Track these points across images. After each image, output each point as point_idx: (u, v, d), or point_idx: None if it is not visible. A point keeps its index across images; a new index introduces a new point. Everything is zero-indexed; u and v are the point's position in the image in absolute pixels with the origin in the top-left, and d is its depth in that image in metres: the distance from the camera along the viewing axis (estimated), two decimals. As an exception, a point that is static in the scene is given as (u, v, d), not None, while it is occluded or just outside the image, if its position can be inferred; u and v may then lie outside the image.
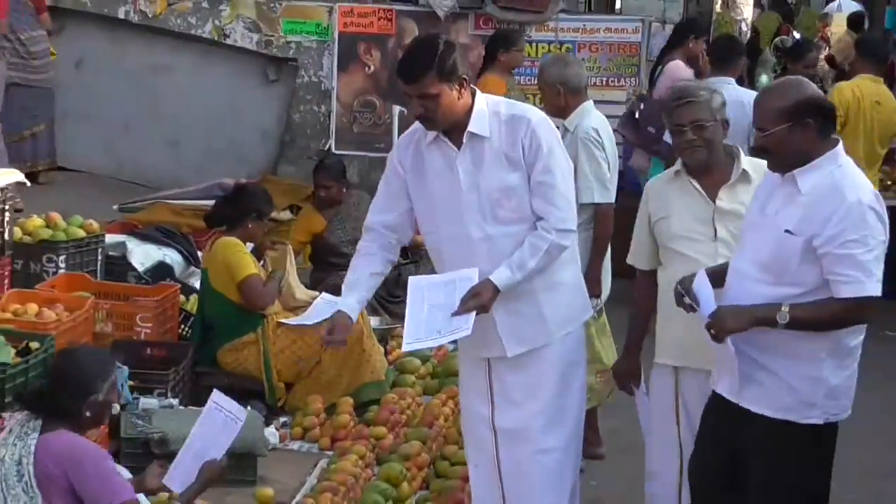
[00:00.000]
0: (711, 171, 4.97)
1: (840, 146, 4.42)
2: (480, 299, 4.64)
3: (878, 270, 4.31)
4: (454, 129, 4.79)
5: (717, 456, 4.65)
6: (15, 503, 4.24)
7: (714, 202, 4.92)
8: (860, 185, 4.36)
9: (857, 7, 19.27)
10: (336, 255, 8.42)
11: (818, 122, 4.34)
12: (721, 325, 4.33)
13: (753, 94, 8.78)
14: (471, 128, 4.76)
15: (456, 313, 4.64)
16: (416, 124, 4.94)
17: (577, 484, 5.17)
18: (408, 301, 4.78)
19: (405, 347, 4.84)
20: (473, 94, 4.81)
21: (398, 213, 5.01)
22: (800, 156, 4.35)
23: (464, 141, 4.78)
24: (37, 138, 11.36)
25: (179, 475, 4.69)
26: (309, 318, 6.98)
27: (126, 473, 4.86)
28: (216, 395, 4.94)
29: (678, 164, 5.06)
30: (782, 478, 4.46)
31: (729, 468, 4.61)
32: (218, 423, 4.81)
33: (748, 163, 4.95)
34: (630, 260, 5.25)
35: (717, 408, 4.61)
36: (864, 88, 8.41)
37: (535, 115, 4.89)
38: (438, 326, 4.68)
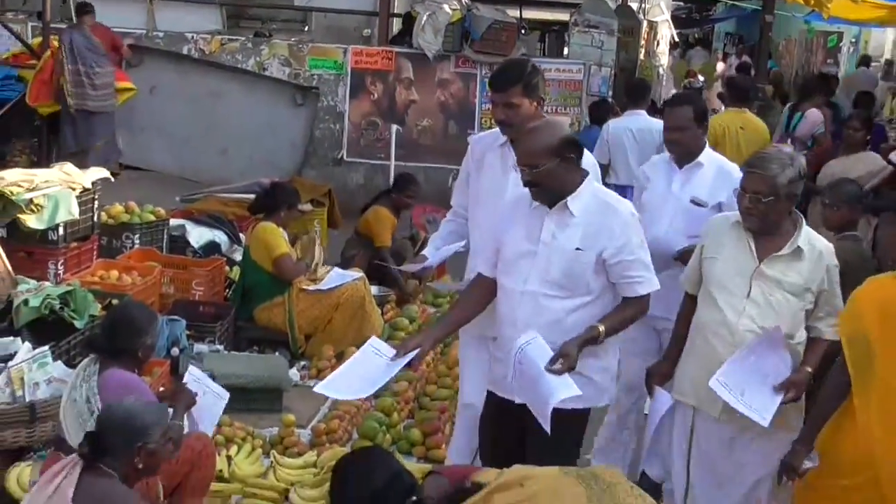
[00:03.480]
0: (770, 234, 4.11)
1: (590, 175, 3.99)
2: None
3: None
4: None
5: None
6: None
7: (759, 262, 4.08)
8: (622, 200, 4.01)
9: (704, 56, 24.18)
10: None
11: (577, 156, 3.91)
12: (571, 362, 3.73)
13: (660, 122, 8.79)
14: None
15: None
16: (489, 132, 4.69)
17: None
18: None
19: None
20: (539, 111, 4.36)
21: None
22: (565, 187, 3.89)
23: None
24: (97, 152, 10.95)
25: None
26: (325, 285, 6.96)
27: None
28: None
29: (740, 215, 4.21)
30: (563, 453, 3.86)
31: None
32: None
33: (806, 238, 4.09)
34: (681, 278, 4.42)
35: (496, 414, 4.02)
36: (727, 120, 8.41)
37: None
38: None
